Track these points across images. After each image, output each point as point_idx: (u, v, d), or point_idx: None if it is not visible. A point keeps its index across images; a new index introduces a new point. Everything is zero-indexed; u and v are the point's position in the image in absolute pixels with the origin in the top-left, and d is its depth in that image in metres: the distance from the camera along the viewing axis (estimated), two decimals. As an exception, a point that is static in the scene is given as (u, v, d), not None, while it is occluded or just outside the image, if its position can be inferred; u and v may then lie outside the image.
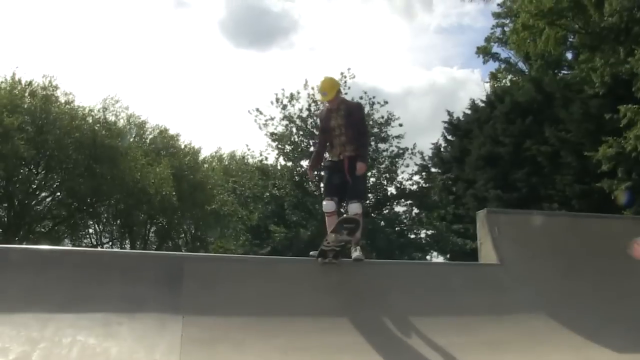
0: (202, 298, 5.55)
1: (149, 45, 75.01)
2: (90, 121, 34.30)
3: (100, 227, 38.98)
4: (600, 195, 17.44)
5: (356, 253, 6.29)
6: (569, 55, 26.50)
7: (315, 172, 7.27)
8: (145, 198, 35.57)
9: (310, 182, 19.49)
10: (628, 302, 7.22)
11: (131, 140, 38.42)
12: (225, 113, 77.70)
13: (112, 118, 36.75)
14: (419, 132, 63.68)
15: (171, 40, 76.60)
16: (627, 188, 16.45)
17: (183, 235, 43.56)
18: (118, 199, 35.58)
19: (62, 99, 33.26)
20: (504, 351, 5.64)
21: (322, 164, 7.23)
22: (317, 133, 20.48)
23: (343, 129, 6.42)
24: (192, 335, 5.01)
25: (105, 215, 38.22)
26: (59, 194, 34.76)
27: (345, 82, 21.56)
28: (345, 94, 21.27)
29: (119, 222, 38.60)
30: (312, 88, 21.93)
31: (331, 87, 6.53)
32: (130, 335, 4.86)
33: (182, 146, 42.99)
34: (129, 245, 38.84)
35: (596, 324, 6.47)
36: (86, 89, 73.69)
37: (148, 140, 42.07)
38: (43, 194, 34.53)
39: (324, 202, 6.49)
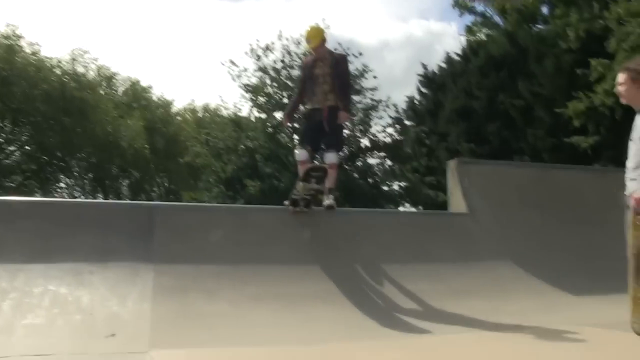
0: (173, 247, 5.55)
1: (118, -6, 72.60)
2: (59, 73, 33.51)
3: (72, 181, 38.51)
4: (570, 148, 17.73)
5: (328, 201, 6.35)
6: (545, 10, 26.46)
7: (289, 124, 7.28)
8: (117, 151, 35.23)
9: (283, 134, 19.41)
10: (591, 250, 7.45)
11: (102, 92, 37.71)
12: (199, 64, 76.25)
13: (81, 70, 35.93)
14: (395, 85, 63.50)
15: (141, -11, 74.29)
16: (595, 143, 16.74)
17: (156, 188, 43.36)
18: (89, 153, 35.18)
19: (28, 50, 32.34)
20: (470, 297, 5.80)
21: (299, 114, 7.23)
22: (291, 85, 20.32)
23: (328, 77, 6.40)
24: (163, 284, 5.03)
25: (77, 169, 37.78)
26: (27, 147, 34.14)
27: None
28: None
29: (90, 175, 38.19)
30: (287, 39, 21.64)
31: (316, 35, 6.56)
32: (102, 284, 4.86)
33: (155, 99, 42.40)
34: (101, 199, 38.57)
35: (560, 271, 6.69)
36: (53, 39, 71.54)
37: (119, 93, 41.38)
38: (11, 148, 33.88)
39: (297, 151, 6.52)
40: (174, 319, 4.60)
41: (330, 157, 6.25)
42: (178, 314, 4.70)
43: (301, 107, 7.15)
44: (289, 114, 7.36)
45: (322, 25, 21.48)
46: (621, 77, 4.64)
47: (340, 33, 74.81)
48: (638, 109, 4.54)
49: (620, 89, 4.65)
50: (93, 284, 4.83)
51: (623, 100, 4.68)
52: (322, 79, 6.40)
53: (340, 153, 6.34)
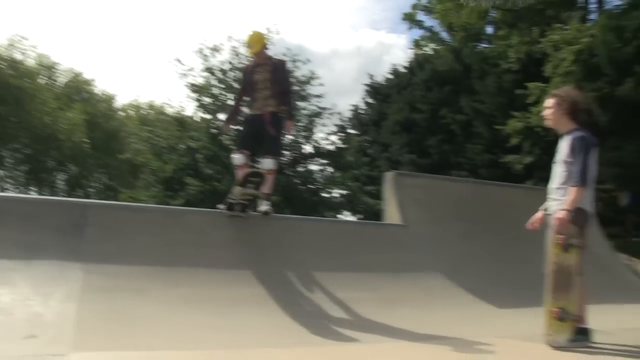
0: (104, 246, 5.43)
1: (65, -19, 70.51)
2: (-6, 58, 32.17)
3: (4, 172, 36.95)
4: (506, 165, 18.38)
5: (265, 207, 6.37)
6: (489, 30, 27.40)
7: (231, 127, 7.26)
8: (55, 144, 34.10)
9: (226, 136, 19.26)
10: (519, 264, 7.74)
11: (41, 82, 36.42)
12: (148, 61, 74.88)
13: (19, 56, 34.55)
14: (343, 94, 64.29)
15: (89, -21, 72.34)
16: (529, 163, 17.42)
17: (94, 184, 42.21)
18: (25, 144, 33.87)
19: (-42, 31, 30.99)
20: (399, 306, 5.93)
21: (241, 118, 7.23)
22: (237, 87, 20.19)
23: (268, 83, 6.42)
24: (92, 283, 4.91)
25: (10, 160, 36.25)
26: (-45, 134, 32.56)
27: (271, 37, 21.33)
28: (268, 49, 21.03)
29: (25, 167, 36.75)
30: (236, 41, 21.52)
31: (257, 41, 6.54)
32: (26, 283, 4.69)
33: (98, 92, 41.35)
34: (35, 193, 37.22)
35: (487, 283, 6.93)
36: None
37: (60, 84, 40.13)
38: None
39: (234, 155, 6.51)
40: (101, 320, 4.49)
41: (268, 163, 6.26)
42: (105, 315, 4.59)
43: (242, 111, 7.15)
44: (228, 120, 7.43)
45: (272, 30, 21.56)
46: (549, 102, 4.91)
47: (291, 39, 75.15)
48: (562, 134, 4.80)
49: (546, 112, 4.90)
50: (15, 282, 4.66)
51: (548, 124, 4.94)
52: (262, 85, 6.43)
53: (279, 159, 6.36)
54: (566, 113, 4.75)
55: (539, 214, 5.04)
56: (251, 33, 6.65)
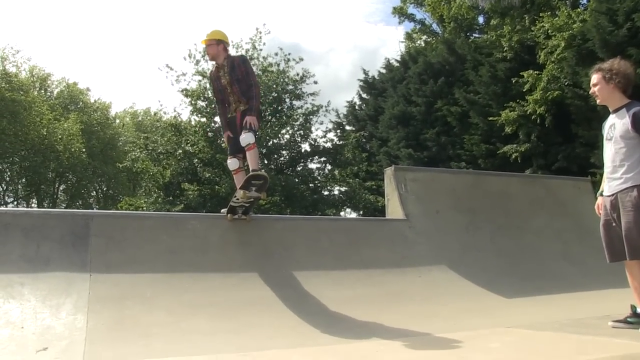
0: (109, 255, 5.46)
1: (54, -8, 70.36)
2: (-13, 72, 32.13)
3: (3, 186, 36.95)
4: (504, 155, 18.38)
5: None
6: (481, 20, 27.43)
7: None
8: (53, 155, 34.05)
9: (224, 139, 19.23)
10: (521, 254, 7.82)
11: (35, 93, 36.38)
12: (143, 68, 74.79)
13: (12, 69, 34.54)
14: (340, 89, 64.42)
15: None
16: (525, 150, 17.42)
17: (94, 193, 42.23)
18: (22, 157, 33.82)
19: (-49, 45, 30.93)
20: (407, 301, 5.97)
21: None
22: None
23: (231, 84, 6.35)
24: (99, 293, 4.95)
25: (9, 173, 36.24)
26: (-48, 150, 32.52)
27: (260, 37, 21.27)
28: (260, 49, 21.02)
29: (24, 180, 36.73)
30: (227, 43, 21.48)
31: (212, 35, 6.39)
32: (34, 296, 4.73)
33: (92, 101, 41.34)
34: (35, 205, 37.23)
35: (492, 274, 6.96)
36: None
37: (55, 94, 40.12)
38: None
39: (228, 161, 6.51)
40: (110, 329, 4.52)
41: (246, 138, 6.08)
42: (114, 324, 4.62)
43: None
44: (225, 129, 7.10)
45: (261, 30, 21.49)
46: (595, 78, 4.63)
47: (286, 38, 75.16)
48: (613, 109, 4.57)
49: (594, 89, 4.64)
50: (24, 296, 4.70)
51: (598, 101, 4.66)
52: (229, 88, 6.35)
53: (255, 133, 6.17)
54: (617, 87, 4.49)
55: (599, 200, 4.75)
56: (212, 30, 6.45)
